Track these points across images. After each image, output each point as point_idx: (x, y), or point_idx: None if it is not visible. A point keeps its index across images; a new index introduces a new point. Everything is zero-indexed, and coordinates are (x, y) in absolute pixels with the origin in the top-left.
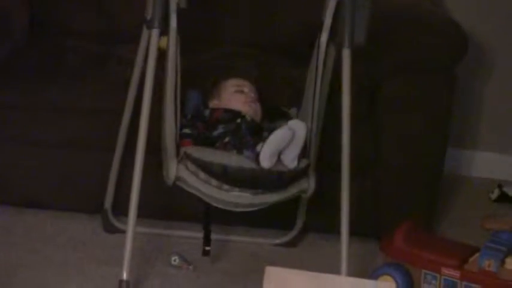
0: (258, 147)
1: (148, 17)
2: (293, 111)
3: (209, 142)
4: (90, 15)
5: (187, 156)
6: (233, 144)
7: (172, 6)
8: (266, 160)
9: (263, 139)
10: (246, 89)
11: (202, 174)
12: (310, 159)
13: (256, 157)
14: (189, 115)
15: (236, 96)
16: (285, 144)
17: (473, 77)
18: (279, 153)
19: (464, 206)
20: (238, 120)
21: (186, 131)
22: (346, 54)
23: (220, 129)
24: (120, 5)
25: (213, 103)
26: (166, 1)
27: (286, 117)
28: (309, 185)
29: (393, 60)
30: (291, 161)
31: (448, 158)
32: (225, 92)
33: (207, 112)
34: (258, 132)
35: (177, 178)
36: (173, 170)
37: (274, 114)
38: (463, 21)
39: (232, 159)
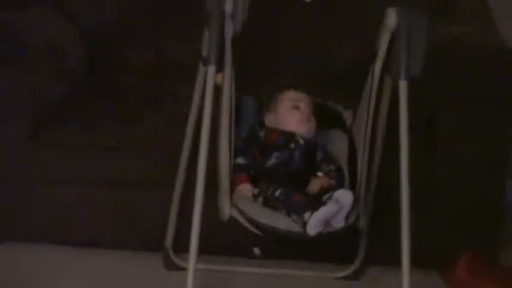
0: (306, 216)
1: (205, 53)
2: (347, 113)
3: (263, 174)
4: (147, 53)
5: (240, 212)
6: (283, 204)
7: (228, 43)
8: (312, 230)
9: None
10: (302, 104)
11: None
12: (360, 193)
13: (303, 225)
14: (243, 134)
15: (292, 114)
16: (331, 216)
17: None
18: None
19: None
20: (292, 145)
21: (240, 161)
22: (402, 86)
23: (273, 159)
24: (176, 43)
25: (269, 118)
26: (222, 38)
27: (340, 123)
28: (358, 219)
29: (450, 90)
30: (338, 223)
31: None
32: (281, 107)
33: (262, 134)
34: (312, 154)
35: (231, 217)
36: (226, 211)
37: (328, 119)
38: None
39: (281, 222)
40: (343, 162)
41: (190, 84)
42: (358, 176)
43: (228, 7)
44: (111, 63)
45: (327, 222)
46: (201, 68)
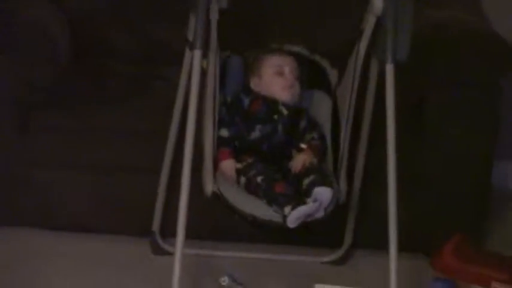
0: (286, 211)
1: (191, 38)
2: (333, 73)
3: (246, 146)
4: (134, 37)
5: (220, 195)
6: (264, 194)
7: (214, 26)
8: (292, 224)
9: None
10: (286, 69)
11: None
12: (342, 168)
13: (284, 218)
14: (228, 98)
15: (275, 80)
16: (311, 212)
17: None
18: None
19: None
20: (276, 117)
21: (224, 132)
22: (389, 69)
23: (257, 132)
24: (162, 26)
25: (254, 81)
26: (208, 20)
27: (325, 82)
28: (339, 193)
29: (437, 74)
30: (318, 214)
31: (496, 171)
32: (265, 72)
33: (246, 102)
34: (294, 125)
35: (213, 193)
36: (209, 188)
37: (314, 76)
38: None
39: (261, 211)
40: (326, 128)
41: (177, 68)
42: (340, 146)
43: None
44: (98, 48)
45: (307, 216)
46: (187, 52)
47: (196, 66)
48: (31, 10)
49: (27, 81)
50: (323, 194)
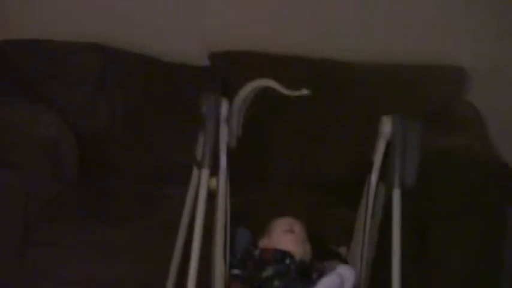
0: None
1: (199, 157)
2: (342, 250)
3: (258, 285)
4: (140, 154)
5: None
6: None
7: (223, 147)
8: None
9: (312, 281)
10: (296, 229)
11: None
12: None
13: None
14: (238, 255)
15: (286, 237)
16: None
17: None
18: None
19: None
20: (287, 261)
21: (236, 271)
22: (396, 195)
23: (269, 270)
24: (169, 144)
25: (263, 243)
26: (216, 142)
27: (337, 257)
28: None
29: (443, 201)
30: None
31: None
32: (275, 232)
33: (256, 252)
34: (307, 273)
35: None
36: None
37: (324, 254)
38: None
39: None
40: None
41: (184, 187)
42: None
43: (224, 111)
44: (103, 163)
45: None
46: (195, 171)
47: (204, 185)
48: (37, 122)
49: (32, 196)
50: (347, 271)
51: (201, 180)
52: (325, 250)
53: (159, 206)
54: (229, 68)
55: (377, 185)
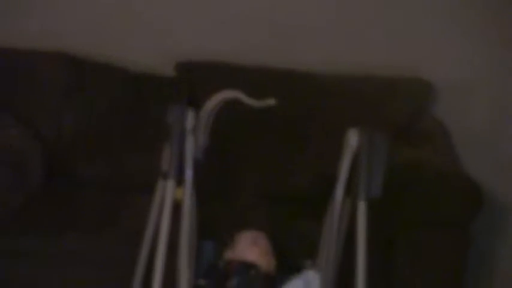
0: None
1: (164, 168)
2: (308, 263)
3: None
4: (105, 166)
5: None
6: None
7: (189, 158)
8: None
9: None
10: (260, 241)
11: None
12: None
13: None
14: (203, 266)
15: (251, 249)
16: None
17: (488, 236)
18: None
19: None
20: (252, 272)
21: (201, 282)
22: (361, 207)
23: (234, 281)
24: (134, 155)
25: (228, 255)
26: (182, 153)
27: (301, 270)
28: None
29: (408, 214)
30: None
31: None
32: (240, 244)
33: (221, 264)
34: (272, 285)
35: None
36: None
37: (288, 267)
38: (481, 180)
39: None
40: None
41: (148, 198)
42: None
43: (190, 123)
44: (69, 175)
45: None
46: (160, 182)
47: (169, 196)
48: (2, 131)
49: None
50: (310, 275)
51: (166, 191)
52: (290, 264)
53: (124, 218)
54: (195, 79)
55: (343, 198)
